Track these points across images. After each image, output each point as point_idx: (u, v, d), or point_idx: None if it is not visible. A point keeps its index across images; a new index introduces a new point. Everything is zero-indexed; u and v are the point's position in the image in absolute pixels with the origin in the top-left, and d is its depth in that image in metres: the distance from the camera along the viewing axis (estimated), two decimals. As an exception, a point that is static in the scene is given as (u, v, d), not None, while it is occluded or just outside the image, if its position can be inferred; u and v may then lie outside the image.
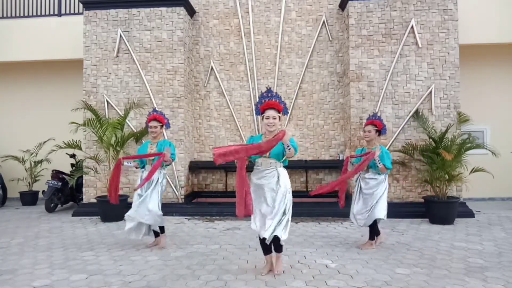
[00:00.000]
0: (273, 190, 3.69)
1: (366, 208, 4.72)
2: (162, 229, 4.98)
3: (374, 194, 4.71)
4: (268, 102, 3.72)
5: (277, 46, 7.86)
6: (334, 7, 7.78)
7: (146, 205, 4.69)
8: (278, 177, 3.72)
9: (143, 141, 6.35)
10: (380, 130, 4.85)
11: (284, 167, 3.85)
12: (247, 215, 3.62)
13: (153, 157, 4.80)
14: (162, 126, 4.98)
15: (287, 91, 7.88)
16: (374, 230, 4.79)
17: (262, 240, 3.76)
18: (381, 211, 4.69)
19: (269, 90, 3.81)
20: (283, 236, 3.65)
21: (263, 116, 3.77)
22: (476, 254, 4.52)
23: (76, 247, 4.95)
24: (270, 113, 3.69)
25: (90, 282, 3.71)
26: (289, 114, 7.81)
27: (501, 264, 4.15)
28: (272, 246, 3.81)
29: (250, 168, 3.75)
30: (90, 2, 7.43)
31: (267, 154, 3.68)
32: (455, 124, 6.81)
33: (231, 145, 3.64)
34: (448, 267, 4.05)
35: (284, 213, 3.71)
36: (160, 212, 4.80)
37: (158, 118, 4.93)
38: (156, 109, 5.35)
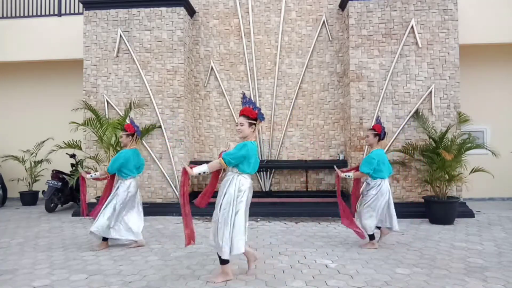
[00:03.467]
0: (221, 196, 3.72)
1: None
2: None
3: (365, 197, 4.85)
4: (242, 109, 3.76)
5: (277, 46, 7.86)
6: (334, 7, 7.78)
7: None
8: (230, 184, 3.70)
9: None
10: (379, 134, 4.86)
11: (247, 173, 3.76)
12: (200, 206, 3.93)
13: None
14: (128, 135, 4.88)
15: (287, 91, 7.88)
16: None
17: None
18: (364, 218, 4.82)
19: (243, 96, 3.84)
20: (223, 254, 3.57)
21: None
22: (476, 254, 4.52)
23: (76, 247, 4.95)
24: (239, 120, 3.75)
25: (90, 282, 3.71)
26: (289, 114, 7.82)
27: (501, 264, 4.15)
28: (252, 242, 4.03)
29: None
30: (90, 2, 7.43)
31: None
32: (455, 124, 6.81)
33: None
34: (448, 267, 4.05)
35: (223, 223, 3.60)
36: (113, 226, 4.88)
37: (125, 127, 4.91)
38: (131, 118, 5.33)
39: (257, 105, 7.82)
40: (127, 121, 5.06)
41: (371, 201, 4.75)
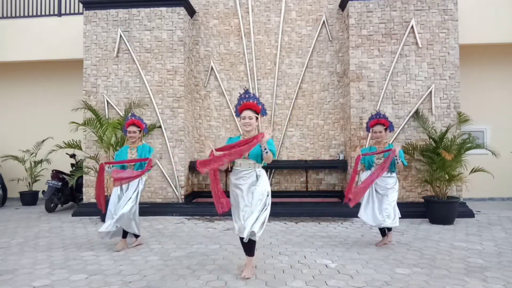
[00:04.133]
0: (251, 190, 3.71)
1: (386, 207, 4.74)
2: (125, 233, 4.95)
3: (394, 193, 4.78)
4: (245, 103, 3.78)
5: (277, 46, 7.86)
6: (334, 7, 7.78)
7: (121, 208, 4.72)
8: (257, 178, 3.74)
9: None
10: (388, 128, 4.88)
11: (263, 167, 3.89)
12: (226, 210, 3.73)
13: (134, 163, 4.83)
14: (140, 131, 4.98)
15: (287, 91, 7.89)
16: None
17: (242, 240, 3.82)
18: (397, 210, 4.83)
19: (246, 91, 3.88)
20: (258, 233, 3.62)
21: (240, 117, 3.83)
22: (476, 254, 4.52)
23: (76, 247, 4.95)
24: (246, 113, 3.75)
25: (90, 282, 3.71)
26: (289, 114, 7.83)
27: (501, 264, 4.15)
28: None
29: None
30: (90, 2, 7.43)
31: (246, 155, 3.70)
32: (455, 124, 6.81)
33: (215, 153, 3.65)
34: (448, 267, 4.05)
35: (261, 211, 3.69)
36: (134, 218, 4.84)
37: (136, 123, 4.94)
38: (134, 113, 5.37)
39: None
40: (131, 117, 5.00)
41: (396, 194, 4.85)
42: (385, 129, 4.87)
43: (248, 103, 3.76)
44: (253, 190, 3.68)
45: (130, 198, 4.75)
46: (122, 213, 4.62)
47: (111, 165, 4.97)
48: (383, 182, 4.78)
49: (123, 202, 4.71)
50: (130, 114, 5.21)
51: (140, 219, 4.98)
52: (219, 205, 3.70)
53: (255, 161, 3.74)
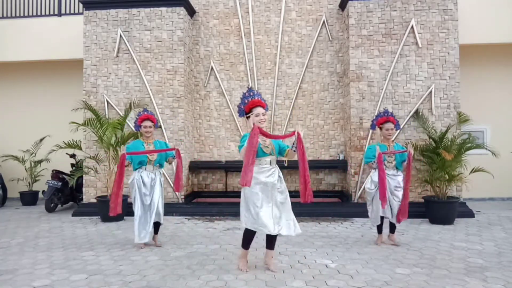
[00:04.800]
0: (279, 187, 3.88)
1: (399, 204, 4.82)
2: (157, 229, 5.07)
3: (401, 191, 4.84)
4: (254, 100, 3.83)
5: (277, 46, 7.85)
6: (334, 7, 7.78)
7: (160, 206, 4.91)
8: (279, 175, 3.92)
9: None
10: (395, 125, 4.96)
11: None
12: (247, 185, 3.56)
13: (156, 157, 4.89)
14: (154, 125, 5.04)
15: (287, 91, 7.88)
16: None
17: (252, 235, 3.94)
18: None
19: (250, 89, 3.94)
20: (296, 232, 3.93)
21: (249, 115, 3.86)
22: (476, 254, 4.52)
23: (76, 247, 4.95)
24: (260, 110, 3.82)
25: (90, 282, 3.71)
26: (289, 114, 7.83)
27: (501, 264, 4.15)
28: (253, 242, 4.01)
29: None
30: (90, 2, 7.43)
31: (274, 151, 3.87)
32: (455, 124, 6.81)
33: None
34: (448, 267, 4.05)
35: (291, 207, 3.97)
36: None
37: (151, 118, 4.99)
38: (146, 108, 5.38)
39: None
40: (144, 112, 5.02)
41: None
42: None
43: (257, 100, 3.83)
44: (279, 187, 3.85)
45: (159, 197, 4.89)
46: (159, 212, 4.89)
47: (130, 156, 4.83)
48: (394, 182, 4.84)
49: (155, 204, 4.83)
50: (142, 109, 5.21)
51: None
52: (246, 177, 3.52)
53: (277, 157, 3.92)
